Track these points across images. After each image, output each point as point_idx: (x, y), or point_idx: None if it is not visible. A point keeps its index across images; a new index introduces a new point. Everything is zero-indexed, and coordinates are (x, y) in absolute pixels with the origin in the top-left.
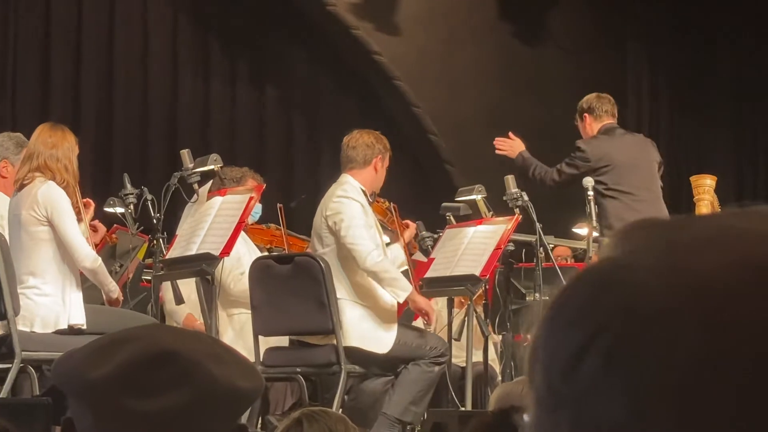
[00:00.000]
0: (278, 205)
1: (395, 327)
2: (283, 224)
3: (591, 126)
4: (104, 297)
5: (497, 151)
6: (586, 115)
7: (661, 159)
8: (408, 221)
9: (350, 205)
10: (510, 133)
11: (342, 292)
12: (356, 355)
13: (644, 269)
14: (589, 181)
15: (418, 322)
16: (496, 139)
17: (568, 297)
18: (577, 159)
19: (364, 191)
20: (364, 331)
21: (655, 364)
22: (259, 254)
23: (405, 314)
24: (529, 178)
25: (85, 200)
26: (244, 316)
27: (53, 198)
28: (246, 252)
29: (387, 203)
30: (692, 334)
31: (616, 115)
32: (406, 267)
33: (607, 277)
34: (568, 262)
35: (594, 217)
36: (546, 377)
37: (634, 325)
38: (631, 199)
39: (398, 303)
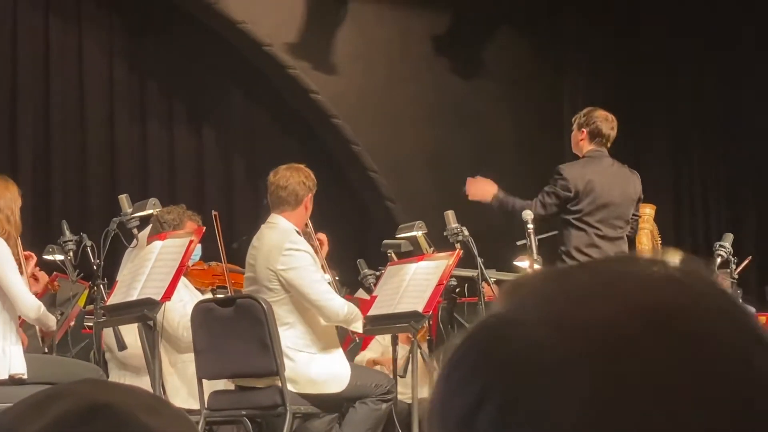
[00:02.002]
0: (213, 212)
1: (346, 362)
2: (218, 231)
3: (583, 143)
4: (38, 332)
5: (470, 197)
6: (584, 130)
7: (641, 194)
8: (319, 236)
9: (303, 258)
10: (478, 178)
11: (291, 341)
12: (308, 397)
13: (530, 323)
14: (528, 215)
15: (363, 356)
16: (468, 180)
17: (461, 354)
18: (558, 187)
19: (298, 232)
20: (317, 374)
21: (547, 415)
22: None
23: (349, 351)
24: (511, 216)
25: (26, 253)
26: (188, 362)
27: None
28: (189, 299)
29: (307, 230)
30: (582, 384)
31: (613, 139)
32: (328, 280)
33: (495, 333)
34: None
35: (534, 250)
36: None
37: (524, 377)
38: (596, 233)
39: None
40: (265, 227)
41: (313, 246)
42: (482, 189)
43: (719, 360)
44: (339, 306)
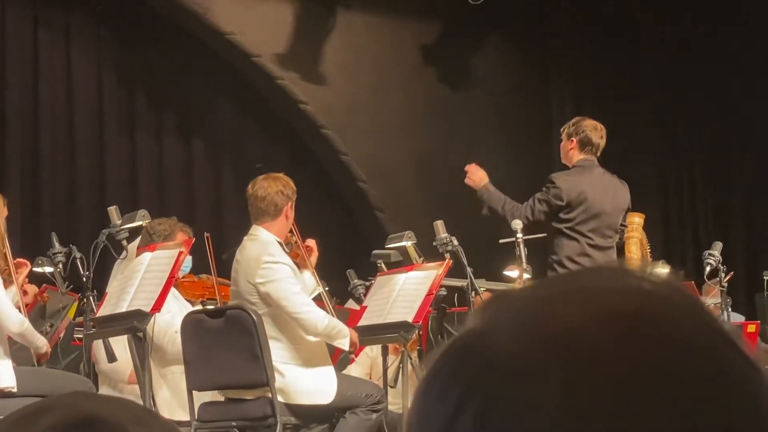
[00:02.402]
0: (206, 234)
1: (333, 372)
2: (210, 255)
3: (573, 152)
4: (33, 354)
5: (466, 180)
6: (573, 139)
7: (630, 204)
8: (308, 243)
9: (282, 271)
10: (472, 165)
11: (276, 354)
12: (298, 408)
13: (501, 334)
14: (517, 224)
15: (353, 369)
16: (468, 165)
17: (437, 369)
18: (550, 195)
19: (280, 243)
20: (307, 387)
21: (521, 421)
22: (191, 310)
23: (339, 363)
24: (496, 212)
25: (18, 260)
26: (178, 374)
27: None
28: (178, 310)
29: (292, 238)
30: (555, 390)
31: (602, 148)
32: (319, 291)
33: (468, 346)
34: None
35: (524, 259)
36: None
37: (498, 386)
38: (588, 242)
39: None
40: (247, 240)
41: (298, 255)
42: (477, 176)
43: (690, 361)
44: (318, 318)
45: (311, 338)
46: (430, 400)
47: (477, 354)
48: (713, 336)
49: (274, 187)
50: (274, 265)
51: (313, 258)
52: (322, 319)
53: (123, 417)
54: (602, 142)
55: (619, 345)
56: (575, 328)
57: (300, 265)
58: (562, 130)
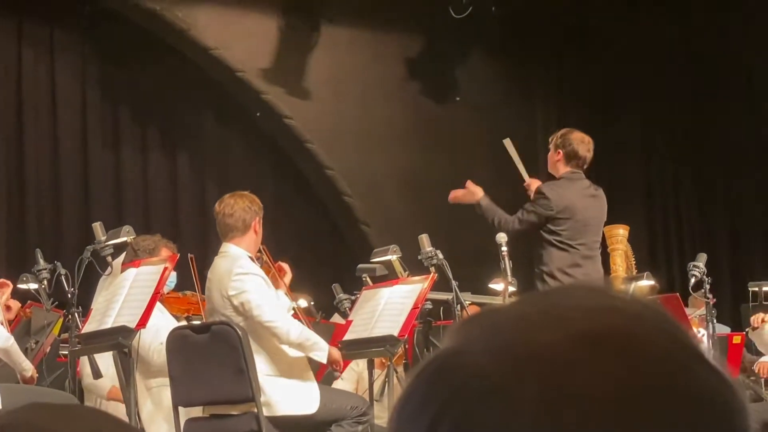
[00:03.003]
0: (189, 255)
1: (315, 383)
2: (194, 272)
3: (560, 164)
4: (18, 376)
5: (450, 198)
6: (560, 151)
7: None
8: (280, 264)
9: (254, 281)
10: (468, 182)
11: (259, 366)
12: (283, 422)
13: (475, 354)
14: (502, 237)
15: (339, 384)
16: (467, 184)
17: (412, 388)
18: (539, 206)
19: (251, 258)
20: (288, 397)
21: None
22: (176, 324)
23: (325, 377)
24: (491, 225)
25: (0, 281)
26: (163, 388)
27: None
28: (164, 324)
29: (259, 253)
30: (526, 409)
31: (589, 161)
32: (294, 306)
33: (443, 366)
34: None
35: (509, 272)
36: None
37: (471, 405)
38: (579, 254)
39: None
40: (218, 257)
41: (269, 272)
42: (470, 194)
43: (662, 379)
44: (291, 327)
45: (288, 349)
46: (405, 420)
47: (451, 373)
48: (686, 354)
49: (241, 204)
50: (245, 276)
51: (287, 278)
52: (295, 327)
53: (82, 430)
54: (589, 155)
55: (592, 363)
56: (549, 346)
57: (273, 285)
58: (550, 140)
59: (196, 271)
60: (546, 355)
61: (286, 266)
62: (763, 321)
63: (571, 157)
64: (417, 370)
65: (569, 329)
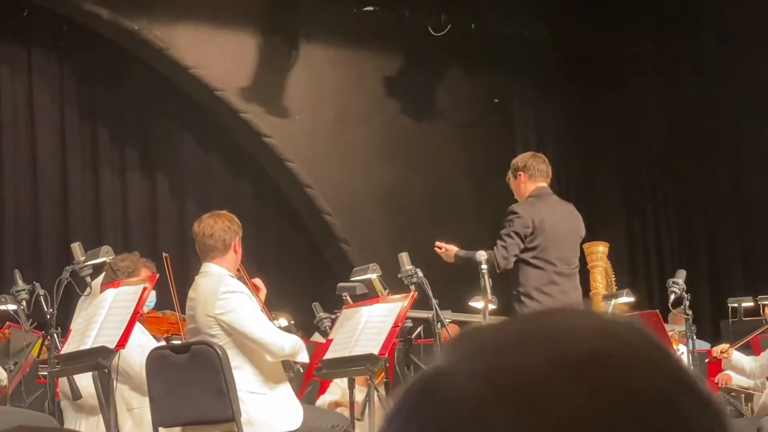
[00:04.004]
0: (164, 254)
1: (297, 401)
2: (169, 273)
3: (525, 185)
4: None
5: (436, 248)
6: (520, 173)
7: (585, 233)
8: (254, 281)
9: (239, 299)
10: (438, 243)
11: (240, 383)
12: None
13: (459, 375)
14: (482, 255)
15: (324, 399)
16: (437, 245)
17: (397, 408)
18: (516, 225)
19: (232, 276)
20: (270, 415)
21: None
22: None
23: (307, 395)
24: (472, 261)
25: None
26: (145, 408)
27: None
28: (148, 345)
29: (237, 271)
30: (506, 429)
31: (551, 175)
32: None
33: (428, 385)
34: None
35: (488, 290)
36: None
37: (453, 425)
38: (554, 270)
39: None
40: (199, 277)
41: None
42: (446, 255)
43: (643, 409)
44: (284, 340)
45: (270, 360)
46: None
47: (435, 393)
48: (672, 383)
49: (221, 224)
50: (232, 295)
51: (262, 294)
52: (286, 340)
53: None
54: (547, 168)
55: (573, 393)
56: (530, 372)
57: None
58: (507, 176)
59: (173, 278)
60: (527, 381)
61: (260, 282)
62: (722, 352)
63: (533, 172)
64: (403, 389)
65: (551, 355)
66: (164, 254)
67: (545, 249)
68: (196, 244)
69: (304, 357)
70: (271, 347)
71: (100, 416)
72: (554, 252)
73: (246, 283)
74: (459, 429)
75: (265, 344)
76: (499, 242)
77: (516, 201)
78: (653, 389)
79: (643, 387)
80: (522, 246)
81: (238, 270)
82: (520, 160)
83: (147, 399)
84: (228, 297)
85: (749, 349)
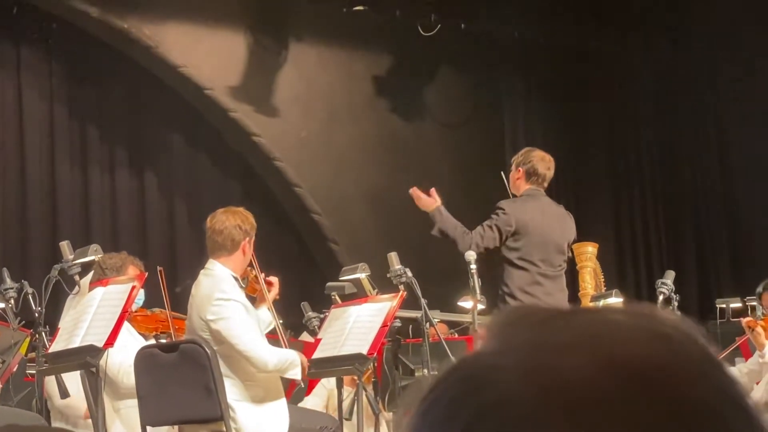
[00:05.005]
0: (159, 268)
1: (285, 406)
2: (164, 289)
3: (520, 182)
4: None
5: (410, 191)
6: (520, 169)
7: (576, 236)
8: (270, 279)
9: (232, 308)
10: (432, 190)
11: (229, 390)
12: None
13: (510, 370)
14: (471, 255)
15: (310, 400)
16: (412, 190)
17: (441, 392)
18: (499, 221)
19: (236, 278)
20: (257, 420)
21: None
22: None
23: (295, 395)
24: (446, 235)
25: None
26: (132, 409)
27: None
28: (134, 345)
29: (252, 273)
30: None
31: (549, 179)
32: (274, 325)
33: (476, 377)
34: (455, 336)
35: (477, 290)
36: None
37: (501, 426)
38: (538, 271)
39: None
40: (202, 274)
41: (256, 289)
42: (424, 201)
43: (695, 424)
44: (268, 356)
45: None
46: (429, 423)
47: (485, 387)
48: (722, 396)
49: (232, 221)
50: (225, 303)
51: (272, 293)
52: (272, 355)
53: None
54: (549, 174)
55: (624, 402)
56: (583, 374)
57: (258, 299)
58: (512, 160)
59: (166, 286)
60: (575, 387)
61: (275, 280)
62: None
63: (531, 174)
64: (450, 371)
65: (605, 355)
66: (159, 268)
67: (529, 250)
68: (206, 239)
69: (295, 374)
70: (255, 361)
71: (84, 426)
72: (537, 254)
73: (258, 280)
74: (507, 429)
75: (250, 357)
76: (479, 228)
77: (510, 194)
78: (706, 403)
79: (696, 401)
80: (498, 242)
81: (250, 265)
82: (526, 157)
83: (127, 400)
84: (221, 304)
85: (738, 355)
